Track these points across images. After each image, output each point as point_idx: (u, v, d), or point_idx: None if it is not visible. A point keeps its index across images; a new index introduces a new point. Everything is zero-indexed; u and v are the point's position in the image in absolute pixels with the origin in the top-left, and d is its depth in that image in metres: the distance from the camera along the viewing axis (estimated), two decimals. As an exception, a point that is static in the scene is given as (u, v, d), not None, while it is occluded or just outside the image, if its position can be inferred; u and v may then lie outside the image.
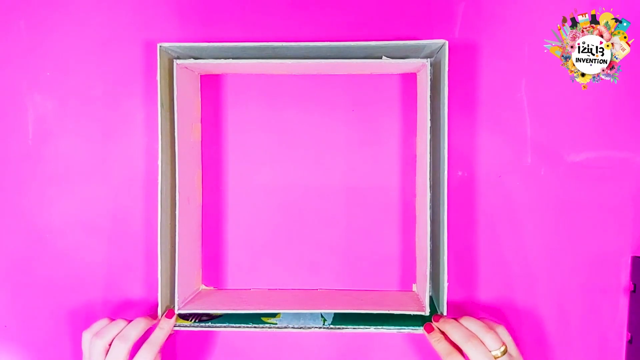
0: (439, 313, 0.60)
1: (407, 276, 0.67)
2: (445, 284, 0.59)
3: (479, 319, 0.58)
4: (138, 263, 0.67)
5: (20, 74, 0.66)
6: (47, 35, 0.66)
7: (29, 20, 0.66)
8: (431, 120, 0.59)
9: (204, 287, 0.68)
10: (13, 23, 0.66)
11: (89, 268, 0.67)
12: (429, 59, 0.60)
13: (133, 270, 0.67)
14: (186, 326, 0.60)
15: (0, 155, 0.67)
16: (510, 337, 0.57)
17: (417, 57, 0.62)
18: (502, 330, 0.57)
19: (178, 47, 0.59)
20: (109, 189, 0.67)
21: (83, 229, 0.67)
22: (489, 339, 0.55)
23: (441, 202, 0.59)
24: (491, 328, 0.56)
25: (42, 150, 0.67)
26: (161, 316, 0.59)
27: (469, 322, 0.57)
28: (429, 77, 0.60)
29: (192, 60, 0.61)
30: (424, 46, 0.59)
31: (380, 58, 0.60)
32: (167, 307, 0.61)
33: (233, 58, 0.60)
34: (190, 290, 0.64)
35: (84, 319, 0.67)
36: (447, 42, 0.57)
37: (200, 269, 0.68)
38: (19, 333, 0.68)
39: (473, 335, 0.55)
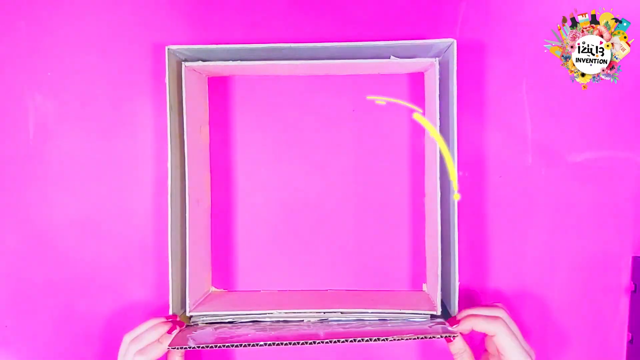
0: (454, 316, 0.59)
1: (418, 276, 0.67)
2: (457, 283, 0.59)
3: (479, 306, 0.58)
4: (148, 265, 0.67)
5: (21, 74, 0.66)
6: (52, 37, 0.66)
7: (30, 21, 0.66)
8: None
9: (214, 289, 0.68)
10: (13, 23, 0.66)
11: (96, 270, 0.67)
12: (436, 58, 0.60)
13: (143, 273, 0.67)
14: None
15: (0, 155, 0.67)
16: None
17: (426, 57, 0.62)
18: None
19: (186, 49, 0.59)
20: (118, 192, 0.67)
21: (90, 231, 0.67)
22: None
23: (451, 201, 0.59)
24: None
25: (43, 150, 0.66)
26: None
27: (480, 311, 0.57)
28: (437, 76, 0.60)
29: (200, 63, 0.61)
30: (432, 45, 0.59)
31: (389, 58, 0.60)
32: (176, 316, 0.61)
33: (241, 60, 0.61)
34: (200, 293, 0.64)
35: (84, 319, 0.67)
36: (455, 41, 0.57)
37: (210, 271, 0.68)
38: (19, 333, 0.68)
39: (496, 319, 0.56)
